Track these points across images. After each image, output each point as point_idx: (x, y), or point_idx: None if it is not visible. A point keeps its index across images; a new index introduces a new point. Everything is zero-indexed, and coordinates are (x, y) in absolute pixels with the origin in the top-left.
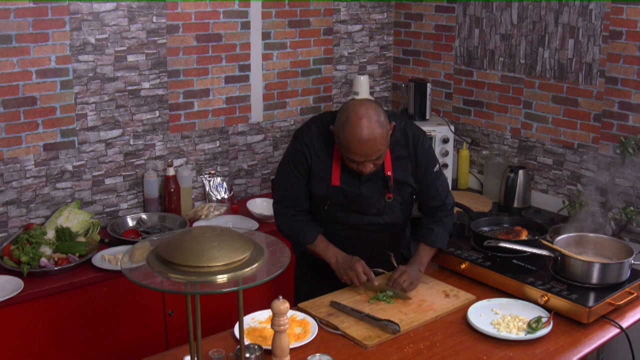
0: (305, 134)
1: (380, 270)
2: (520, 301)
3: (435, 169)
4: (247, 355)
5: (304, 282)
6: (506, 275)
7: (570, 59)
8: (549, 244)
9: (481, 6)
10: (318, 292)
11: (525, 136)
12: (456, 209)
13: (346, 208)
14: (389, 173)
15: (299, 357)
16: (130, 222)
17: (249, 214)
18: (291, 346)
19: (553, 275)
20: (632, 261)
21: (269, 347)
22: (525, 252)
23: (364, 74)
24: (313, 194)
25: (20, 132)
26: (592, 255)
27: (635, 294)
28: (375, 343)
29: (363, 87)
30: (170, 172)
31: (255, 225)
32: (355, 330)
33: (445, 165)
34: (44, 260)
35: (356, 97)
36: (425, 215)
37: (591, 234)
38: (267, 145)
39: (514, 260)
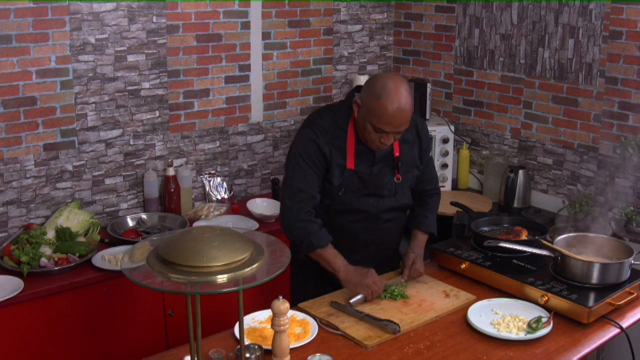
0: (318, 124)
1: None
2: (520, 301)
3: (431, 153)
4: (247, 355)
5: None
6: (506, 275)
7: (570, 59)
8: (549, 244)
9: (481, 6)
10: (315, 289)
11: (525, 136)
12: (456, 209)
13: (361, 191)
14: (397, 154)
15: (299, 357)
16: (130, 222)
17: (249, 214)
18: (291, 346)
19: (553, 275)
20: (632, 261)
21: (269, 347)
22: (525, 252)
23: (364, 74)
24: (330, 182)
25: (20, 132)
26: (592, 255)
27: (635, 294)
28: (375, 343)
29: None
30: (170, 172)
31: (255, 225)
32: (355, 330)
33: (445, 165)
34: (44, 260)
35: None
36: (417, 201)
37: (591, 234)
38: (267, 145)
39: (514, 260)
